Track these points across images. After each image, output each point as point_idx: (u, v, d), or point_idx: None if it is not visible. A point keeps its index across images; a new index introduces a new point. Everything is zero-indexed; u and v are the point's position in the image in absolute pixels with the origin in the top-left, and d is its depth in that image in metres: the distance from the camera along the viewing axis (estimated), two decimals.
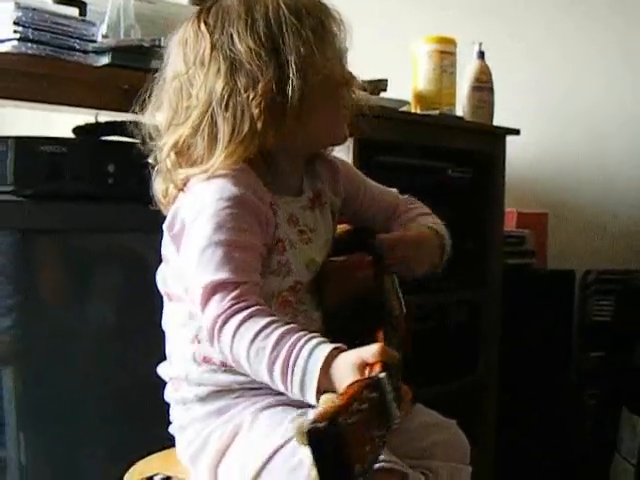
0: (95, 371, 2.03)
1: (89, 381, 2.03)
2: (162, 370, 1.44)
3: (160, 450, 1.50)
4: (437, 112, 2.65)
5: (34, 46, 1.73)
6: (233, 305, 1.22)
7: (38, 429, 2.07)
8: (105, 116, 2.09)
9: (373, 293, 1.44)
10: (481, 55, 2.82)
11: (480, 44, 2.82)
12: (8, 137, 1.95)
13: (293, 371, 1.17)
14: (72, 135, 2.09)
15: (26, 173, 1.90)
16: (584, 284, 3.32)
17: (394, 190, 1.66)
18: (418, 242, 1.51)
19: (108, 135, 2.11)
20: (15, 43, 1.72)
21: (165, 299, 1.42)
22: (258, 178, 1.35)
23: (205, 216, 1.29)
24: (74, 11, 1.87)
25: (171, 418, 1.42)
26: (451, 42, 2.76)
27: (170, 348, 1.42)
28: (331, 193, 1.52)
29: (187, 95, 1.35)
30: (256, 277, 1.29)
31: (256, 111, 1.31)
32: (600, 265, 3.32)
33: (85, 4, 2.10)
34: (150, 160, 1.42)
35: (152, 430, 1.58)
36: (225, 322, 1.22)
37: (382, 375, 1.09)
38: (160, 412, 1.46)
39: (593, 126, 3.37)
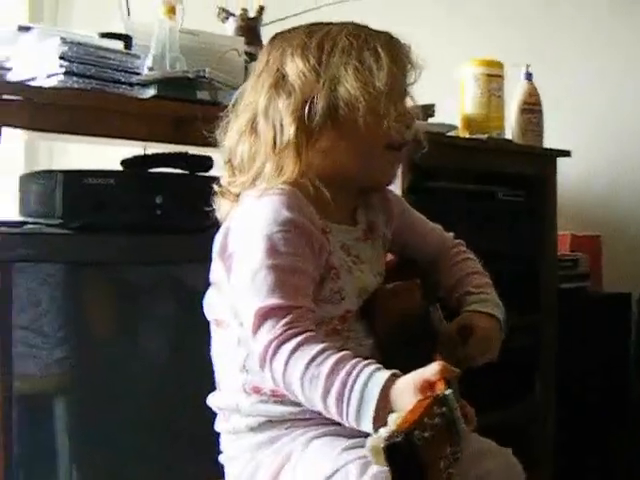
0: (146, 401, 2.03)
1: (139, 412, 2.03)
2: (212, 400, 1.42)
3: None
4: (485, 136, 2.62)
5: (80, 80, 1.74)
6: (286, 331, 1.21)
7: (90, 460, 2.07)
8: (154, 148, 2.10)
9: (424, 318, 1.43)
10: (529, 77, 2.79)
11: (527, 66, 2.79)
12: (56, 171, 1.97)
13: (349, 399, 1.16)
14: (120, 168, 2.11)
15: (74, 206, 1.91)
16: None
17: (438, 226, 1.65)
18: (486, 339, 1.48)
19: (156, 167, 2.11)
20: (61, 77, 1.73)
21: (212, 326, 1.41)
22: (309, 203, 1.35)
23: (258, 239, 1.28)
24: (119, 44, 1.88)
25: (221, 448, 1.41)
26: (498, 65, 2.74)
27: (219, 377, 1.41)
28: (384, 226, 1.52)
29: (240, 103, 1.40)
30: (309, 302, 1.28)
31: (289, 120, 1.32)
32: None
33: (130, 38, 2.11)
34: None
35: (202, 461, 1.57)
36: (277, 349, 1.21)
37: (448, 391, 1.08)
38: (210, 442, 1.44)
39: None
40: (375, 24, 1.44)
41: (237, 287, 1.31)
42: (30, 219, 2.03)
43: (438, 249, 1.60)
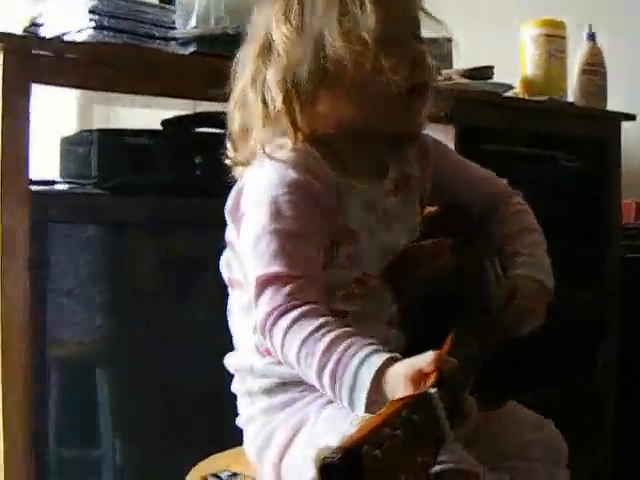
0: (187, 369, 1.98)
1: (184, 378, 1.98)
2: (228, 361, 1.36)
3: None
4: (545, 98, 2.51)
5: (111, 34, 1.69)
6: (285, 302, 1.15)
7: (131, 429, 2.04)
8: (204, 107, 2.05)
9: (453, 283, 1.33)
10: (592, 37, 2.67)
11: (590, 26, 2.67)
12: (93, 130, 1.93)
13: (342, 382, 1.08)
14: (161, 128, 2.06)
15: (109, 166, 1.87)
16: None
17: (491, 172, 1.54)
18: (528, 307, 1.38)
19: (198, 127, 2.06)
20: (91, 32, 1.68)
21: (229, 287, 1.36)
22: (324, 161, 1.27)
23: (263, 202, 1.22)
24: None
25: (239, 411, 1.35)
26: (560, 25, 2.63)
27: (236, 338, 1.35)
28: (421, 176, 1.43)
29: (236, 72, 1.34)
30: (314, 270, 1.20)
31: (275, 90, 1.25)
32: None
33: None
34: None
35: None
36: (276, 320, 1.15)
37: (433, 390, 0.95)
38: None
39: None
40: None
41: (243, 251, 1.25)
42: (67, 180, 2.00)
43: (489, 197, 1.48)
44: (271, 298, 1.16)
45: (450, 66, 2.63)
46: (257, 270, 1.19)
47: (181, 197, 1.92)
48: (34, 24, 1.79)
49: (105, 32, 1.68)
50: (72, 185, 1.93)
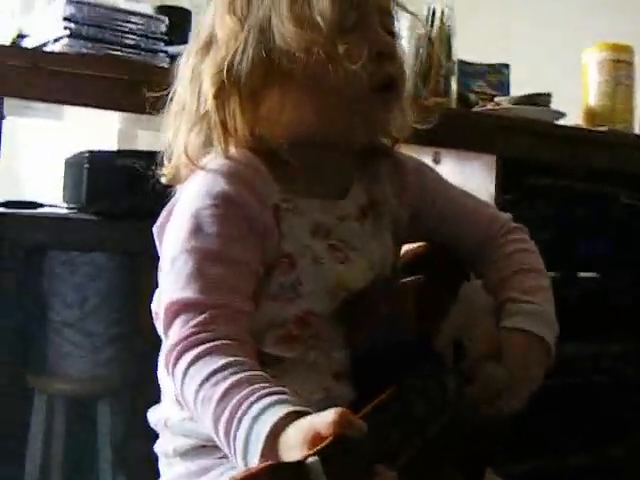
0: None
1: None
2: (150, 415, 1.16)
3: None
4: (606, 128, 2.28)
5: (89, 44, 1.56)
6: (194, 334, 0.96)
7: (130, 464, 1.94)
8: None
9: (415, 330, 1.11)
10: None
11: None
12: (86, 152, 1.80)
13: (236, 434, 0.89)
14: None
15: (98, 188, 1.74)
16: None
17: (488, 204, 1.33)
18: (523, 366, 1.14)
19: None
20: (66, 41, 1.55)
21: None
22: (267, 172, 1.08)
23: (184, 216, 1.04)
24: (144, 7, 1.68)
25: (160, 471, 1.15)
26: (627, 50, 2.40)
27: (161, 387, 1.15)
28: (395, 201, 1.21)
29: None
30: (236, 300, 1.00)
31: (207, 84, 1.06)
32: None
33: (189, 12, 1.94)
34: None
35: None
36: (179, 356, 0.95)
37: (311, 460, 0.77)
38: None
39: None
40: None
41: (160, 273, 1.07)
42: (67, 204, 1.89)
43: (483, 235, 1.25)
44: (180, 328, 0.97)
45: (507, 93, 2.44)
46: (168, 295, 1.00)
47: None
48: (20, 35, 1.68)
49: (82, 41, 1.54)
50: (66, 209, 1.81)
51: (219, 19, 1.10)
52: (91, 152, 1.73)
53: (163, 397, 1.14)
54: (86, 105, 1.58)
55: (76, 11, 1.55)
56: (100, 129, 2.63)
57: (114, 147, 2.75)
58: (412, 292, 1.14)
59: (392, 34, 1.13)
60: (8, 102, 1.56)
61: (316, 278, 1.08)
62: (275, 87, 1.07)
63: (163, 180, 1.15)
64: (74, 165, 1.82)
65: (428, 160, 2.10)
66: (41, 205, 1.77)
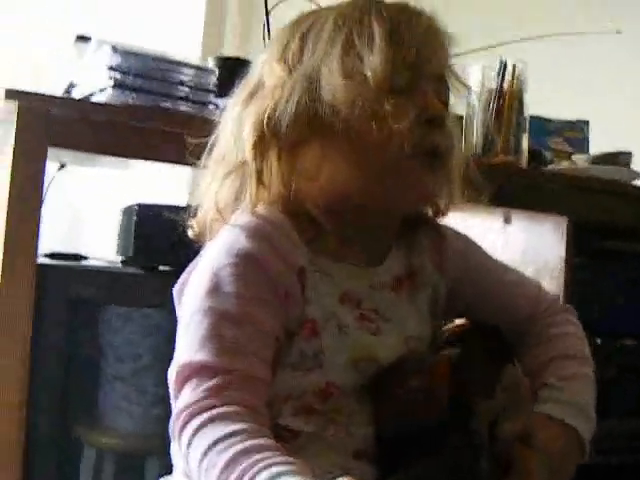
0: None
1: None
2: None
3: None
4: None
5: (135, 94, 1.52)
6: (204, 399, 0.90)
7: None
8: None
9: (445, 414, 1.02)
10: None
11: None
12: (135, 205, 1.76)
13: None
14: None
15: (146, 242, 1.70)
16: None
17: (536, 282, 1.23)
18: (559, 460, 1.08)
19: None
20: (110, 91, 1.51)
21: None
22: (296, 232, 1.02)
23: (204, 273, 0.99)
24: (193, 59, 1.63)
25: None
26: None
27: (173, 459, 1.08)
28: (435, 274, 1.14)
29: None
30: (253, 366, 0.94)
31: (247, 132, 1.02)
32: None
33: (248, 62, 1.89)
34: None
35: None
36: (187, 421, 0.90)
37: None
38: None
39: None
40: None
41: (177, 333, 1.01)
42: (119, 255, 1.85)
43: (527, 314, 1.18)
44: (190, 392, 0.92)
45: (586, 151, 2.33)
46: (182, 356, 0.95)
47: None
48: (71, 85, 1.65)
49: (127, 92, 1.50)
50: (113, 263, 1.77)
51: (268, 67, 1.06)
52: (139, 205, 1.68)
53: (174, 468, 1.08)
54: (136, 157, 1.55)
55: (121, 60, 1.51)
56: (171, 179, 2.60)
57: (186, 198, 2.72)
58: (448, 365, 1.06)
59: (444, 103, 1.07)
60: (73, 152, 1.54)
61: (340, 347, 1.02)
62: (316, 142, 1.02)
63: (190, 234, 1.11)
64: (125, 217, 1.78)
65: (499, 220, 2.02)
66: (84, 257, 1.73)
